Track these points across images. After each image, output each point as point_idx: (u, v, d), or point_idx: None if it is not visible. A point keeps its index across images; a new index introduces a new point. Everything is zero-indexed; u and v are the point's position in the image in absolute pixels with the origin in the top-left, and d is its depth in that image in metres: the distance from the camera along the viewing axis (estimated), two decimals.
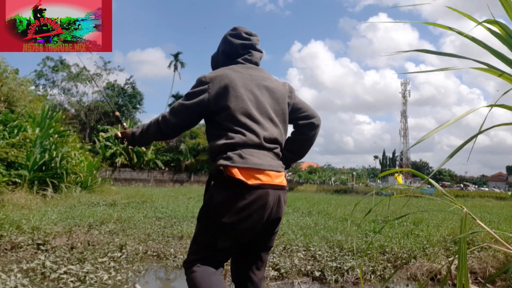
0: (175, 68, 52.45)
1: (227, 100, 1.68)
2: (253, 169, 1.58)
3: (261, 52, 1.92)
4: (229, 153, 1.60)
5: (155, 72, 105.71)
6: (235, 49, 1.86)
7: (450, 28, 1.38)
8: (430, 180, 1.73)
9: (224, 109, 1.67)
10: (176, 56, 52.85)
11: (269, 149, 1.70)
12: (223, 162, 1.59)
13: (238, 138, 1.63)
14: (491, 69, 1.38)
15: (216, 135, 1.69)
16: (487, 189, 29.47)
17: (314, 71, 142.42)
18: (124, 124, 2.13)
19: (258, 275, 1.76)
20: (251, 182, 1.55)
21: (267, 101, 1.77)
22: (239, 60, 1.86)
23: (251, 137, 1.64)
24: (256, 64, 1.90)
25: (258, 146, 1.65)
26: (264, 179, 1.59)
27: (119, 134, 2.01)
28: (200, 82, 1.73)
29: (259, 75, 1.82)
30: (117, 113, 2.29)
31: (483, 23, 1.28)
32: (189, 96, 1.72)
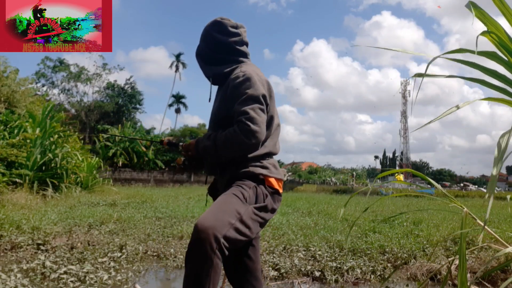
0: (177, 68, 52.62)
1: (271, 103, 1.68)
2: (281, 179, 1.71)
3: (247, 44, 1.83)
4: (264, 162, 1.65)
5: (158, 71, 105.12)
6: (228, 46, 1.74)
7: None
8: (431, 180, 1.73)
9: (267, 113, 1.66)
10: (177, 56, 53.00)
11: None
12: (262, 171, 1.62)
13: (270, 147, 1.68)
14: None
15: None
16: (485, 190, 29.37)
17: (317, 70, 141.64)
18: (181, 142, 1.82)
19: (257, 267, 1.76)
20: (280, 191, 1.70)
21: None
22: (244, 59, 1.79)
23: (277, 148, 1.73)
24: None
25: (276, 156, 1.76)
26: (281, 187, 1.72)
27: (181, 159, 1.77)
28: (257, 81, 1.61)
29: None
30: (165, 140, 1.91)
31: (483, 34, 1.29)
32: (261, 97, 1.58)
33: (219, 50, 1.74)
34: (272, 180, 1.64)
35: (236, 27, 1.75)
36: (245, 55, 1.80)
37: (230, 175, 1.64)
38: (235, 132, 1.53)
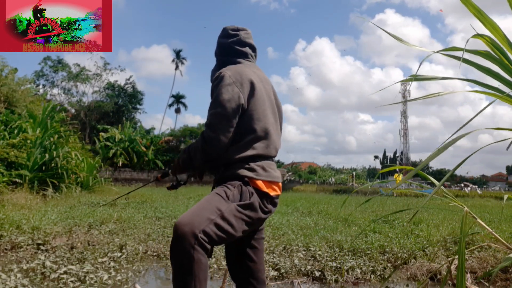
0: (177, 66, 52.72)
1: (254, 103, 1.65)
2: (274, 182, 1.68)
3: (252, 46, 1.87)
4: (252, 164, 1.63)
5: (161, 70, 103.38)
6: (228, 47, 1.82)
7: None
8: (432, 179, 1.74)
9: (250, 113, 1.64)
10: (178, 53, 53.07)
11: (274, 160, 1.79)
12: (247, 173, 1.61)
13: (260, 149, 1.66)
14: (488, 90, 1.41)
15: (234, 139, 1.63)
16: (479, 192, 29.28)
17: (319, 68, 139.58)
18: (170, 169, 1.88)
19: (260, 268, 1.75)
20: (272, 193, 1.66)
21: (276, 107, 1.82)
22: (244, 59, 1.81)
23: (271, 150, 1.70)
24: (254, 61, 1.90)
25: (272, 158, 1.74)
26: (277, 190, 1.71)
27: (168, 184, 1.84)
28: (229, 82, 1.60)
29: (267, 78, 1.83)
30: (159, 176, 2.00)
31: (477, 36, 1.30)
32: (224, 102, 1.57)
33: (223, 53, 1.84)
34: (259, 183, 1.62)
35: (236, 30, 1.84)
36: (244, 55, 1.83)
37: (219, 176, 1.68)
38: (199, 138, 1.64)
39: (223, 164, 1.66)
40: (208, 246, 1.41)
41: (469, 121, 1.08)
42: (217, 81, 1.64)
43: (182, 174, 1.83)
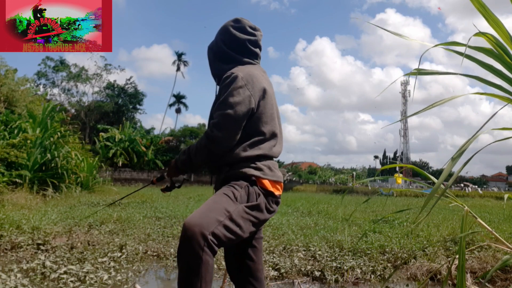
0: (178, 68, 52.89)
1: (264, 107, 1.66)
2: (278, 181, 1.70)
3: (261, 48, 1.87)
4: (258, 164, 1.64)
5: (161, 70, 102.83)
6: (242, 44, 1.77)
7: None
8: (432, 177, 1.74)
9: (258, 116, 1.65)
10: (179, 56, 53.23)
11: (276, 160, 1.82)
12: (254, 172, 1.61)
13: (266, 150, 1.67)
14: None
15: (240, 140, 1.63)
16: (480, 192, 29.22)
17: (320, 68, 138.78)
18: (165, 173, 1.86)
19: (259, 268, 1.75)
20: (276, 193, 1.68)
21: (278, 111, 1.83)
22: (253, 60, 1.80)
23: (275, 150, 1.72)
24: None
25: (275, 158, 1.76)
26: (280, 190, 1.72)
27: (163, 186, 1.84)
28: (241, 85, 1.60)
29: (270, 81, 1.84)
30: (154, 179, 1.99)
31: (479, 34, 1.29)
32: (235, 105, 1.56)
33: (232, 47, 1.77)
34: (266, 182, 1.63)
35: (254, 29, 1.81)
36: (255, 56, 1.82)
37: (224, 176, 1.66)
38: (202, 138, 1.62)
39: (227, 164, 1.65)
40: (216, 248, 1.41)
41: (487, 121, 1.09)
42: (228, 81, 1.61)
43: (178, 177, 1.81)
